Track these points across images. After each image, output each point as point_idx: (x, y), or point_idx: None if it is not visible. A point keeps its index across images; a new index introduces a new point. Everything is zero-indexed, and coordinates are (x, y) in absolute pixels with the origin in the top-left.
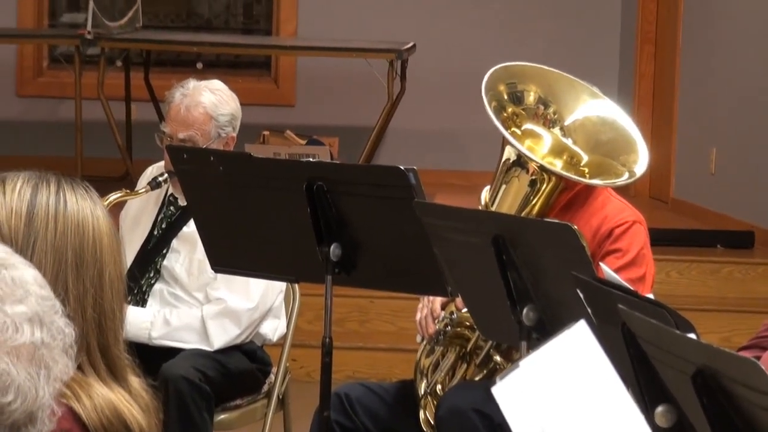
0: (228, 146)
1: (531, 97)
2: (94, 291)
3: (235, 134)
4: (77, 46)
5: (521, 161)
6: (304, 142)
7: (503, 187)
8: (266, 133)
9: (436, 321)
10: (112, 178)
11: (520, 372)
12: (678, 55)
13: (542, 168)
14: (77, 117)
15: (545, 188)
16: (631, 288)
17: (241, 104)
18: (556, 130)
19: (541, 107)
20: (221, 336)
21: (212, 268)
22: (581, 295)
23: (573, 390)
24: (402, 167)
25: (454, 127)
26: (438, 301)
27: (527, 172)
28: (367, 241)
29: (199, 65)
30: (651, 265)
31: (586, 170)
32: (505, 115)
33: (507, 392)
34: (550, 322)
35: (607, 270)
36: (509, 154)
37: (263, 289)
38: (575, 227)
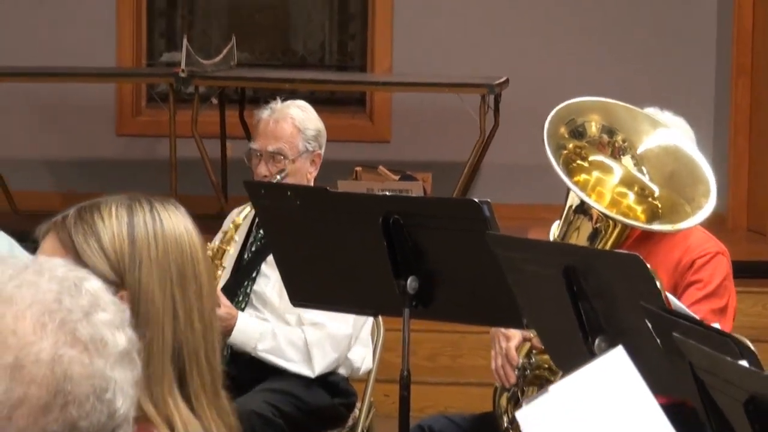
0: (315, 164)
1: (593, 128)
2: (199, 304)
3: (321, 152)
4: (171, 84)
5: (584, 207)
6: (397, 177)
7: (569, 233)
8: (359, 169)
9: (515, 368)
10: (207, 215)
11: (549, 397)
12: None
13: (605, 215)
14: (172, 155)
15: (610, 234)
16: (696, 317)
17: (337, 141)
18: (627, 160)
19: (605, 136)
20: (322, 360)
21: (292, 303)
22: (650, 326)
23: (607, 418)
24: (476, 200)
25: (548, 161)
26: (513, 346)
27: (590, 219)
28: (444, 274)
29: None
30: (733, 296)
31: (659, 204)
32: (566, 152)
33: (532, 418)
34: None
35: (674, 300)
36: (573, 199)
37: (354, 315)
38: (641, 258)
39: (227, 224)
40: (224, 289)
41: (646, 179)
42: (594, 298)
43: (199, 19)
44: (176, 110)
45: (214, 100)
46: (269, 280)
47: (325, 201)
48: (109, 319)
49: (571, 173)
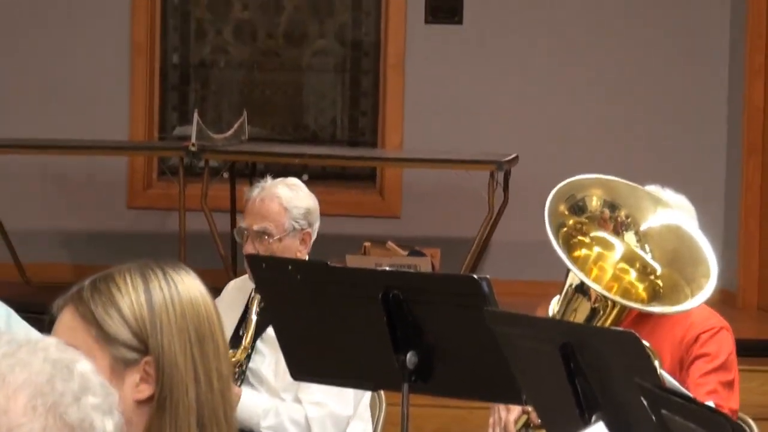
0: (304, 243)
1: (594, 202)
2: (217, 363)
3: (311, 231)
4: (182, 158)
5: (584, 287)
6: (405, 253)
7: (567, 312)
8: (367, 244)
9: None
10: (216, 288)
11: None
12: None
13: (604, 297)
14: (181, 228)
15: (609, 313)
16: (690, 395)
17: (346, 216)
18: (630, 236)
19: (607, 211)
20: None
21: (292, 377)
22: (645, 403)
23: None
24: (475, 276)
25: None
26: (512, 419)
27: (589, 298)
28: (444, 349)
29: (305, 177)
30: (737, 372)
31: (660, 283)
32: (565, 230)
33: None
34: (617, 430)
35: (668, 378)
36: (573, 278)
37: (353, 392)
38: (636, 334)
39: (228, 297)
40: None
41: (648, 257)
42: (590, 374)
43: (211, 94)
44: (187, 184)
45: (225, 175)
46: (264, 357)
47: (325, 275)
48: (97, 403)
49: (571, 249)
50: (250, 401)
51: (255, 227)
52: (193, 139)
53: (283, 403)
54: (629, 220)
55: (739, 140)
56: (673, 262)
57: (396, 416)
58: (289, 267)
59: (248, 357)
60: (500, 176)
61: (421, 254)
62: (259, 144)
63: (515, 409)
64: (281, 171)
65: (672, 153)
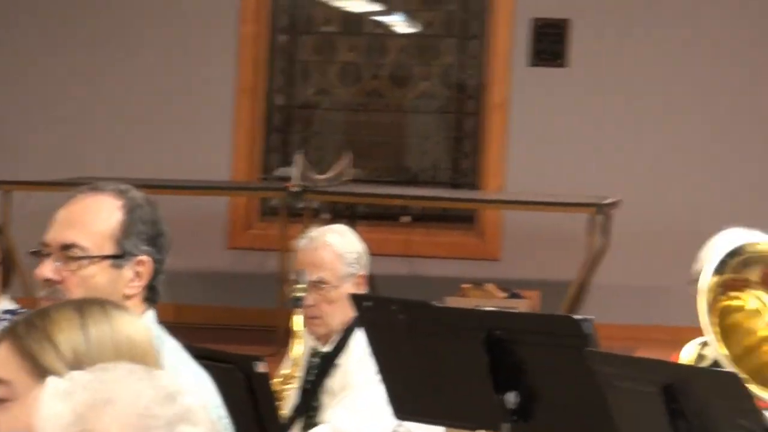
0: (360, 286)
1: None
2: None
3: (364, 273)
4: (283, 199)
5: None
6: (504, 295)
7: None
8: (466, 286)
9: None
10: None
11: None
12: None
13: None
14: (282, 269)
15: None
16: None
17: (447, 258)
18: None
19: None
20: None
21: (396, 416)
22: None
23: None
24: (577, 317)
25: (660, 282)
26: None
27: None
28: (545, 390)
29: (406, 219)
30: None
31: None
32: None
33: None
34: None
35: None
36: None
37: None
38: (740, 376)
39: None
40: (290, 420)
41: None
42: (691, 416)
43: (314, 136)
44: (288, 225)
45: (327, 216)
46: (326, 410)
47: (429, 315)
48: None
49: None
50: None
51: (312, 278)
52: (295, 180)
53: None
54: None
55: None
56: None
57: None
58: (393, 307)
59: (315, 409)
60: (601, 219)
61: (520, 297)
62: (359, 185)
63: None
64: (382, 212)
65: None
